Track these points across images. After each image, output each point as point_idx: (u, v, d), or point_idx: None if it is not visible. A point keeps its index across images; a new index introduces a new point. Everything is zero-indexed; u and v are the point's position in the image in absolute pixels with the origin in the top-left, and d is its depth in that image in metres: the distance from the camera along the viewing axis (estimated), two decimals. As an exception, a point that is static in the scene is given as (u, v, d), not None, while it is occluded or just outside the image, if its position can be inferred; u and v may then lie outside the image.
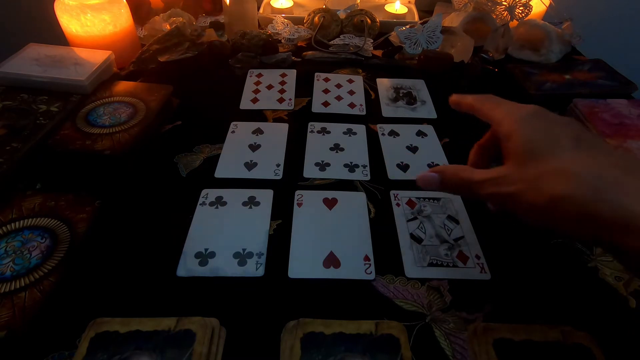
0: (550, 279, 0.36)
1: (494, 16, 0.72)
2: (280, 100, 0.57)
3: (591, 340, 0.30)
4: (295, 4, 0.82)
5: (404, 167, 0.47)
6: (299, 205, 0.41)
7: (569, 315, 0.33)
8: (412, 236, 0.39)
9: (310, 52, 0.68)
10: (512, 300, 0.34)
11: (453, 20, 0.74)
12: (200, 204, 0.41)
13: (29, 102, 0.50)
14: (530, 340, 0.29)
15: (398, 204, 0.42)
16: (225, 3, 0.67)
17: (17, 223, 0.37)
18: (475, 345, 0.30)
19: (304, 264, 0.36)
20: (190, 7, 0.76)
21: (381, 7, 0.83)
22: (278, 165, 0.46)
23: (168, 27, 0.65)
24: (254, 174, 0.45)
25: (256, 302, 0.33)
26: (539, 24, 0.70)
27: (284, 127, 0.52)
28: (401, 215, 0.41)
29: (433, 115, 0.56)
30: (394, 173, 0.46)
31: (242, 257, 0.36)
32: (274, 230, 0.39)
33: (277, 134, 0.51)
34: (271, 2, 0.81)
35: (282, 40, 0.71)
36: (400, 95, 0.59)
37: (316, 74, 0.63)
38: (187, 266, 0.35)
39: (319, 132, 0.51)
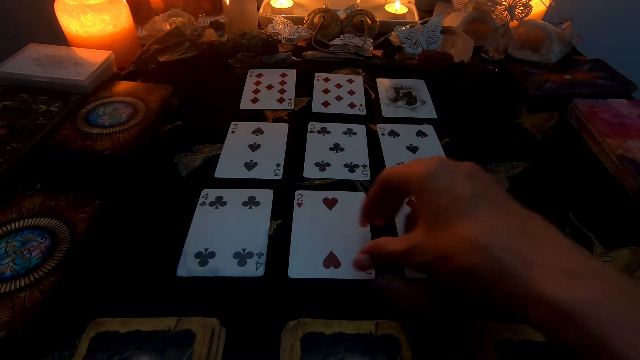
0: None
1: (494, 16, 0.72)
2: (280, 100, 0.57)
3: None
4: (295, 4, 0.82)
5: (404, 167, 0.47)
6: (299, 205, 0.41)
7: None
8: (412, 236, 0.39)
9: (310, 52, 0.68)
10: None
11: (453, 20, 0.74)
12: (200, 204, 0.41)
13: (29, 102, 0.50)
14: (530, 340, 0.29)
15: (398, 204, 0.42)
16: (225, 3, 0.67)
17: (17, 223, 0.37)
18: (474, 345, 0.30)
19: (304, 264, 0.36)
20: (190, 7, 0.76)
21: (381, 7, 0.83)
22: (278, 165, 0.46)
23: (168, 27, 0.65)
24: (254, 174, 0.45)
25: (256, 302, 0.33)
26: (539, 24, 0.70)
27: (284, 127, 0.52)
28: (401, 215, 0.41)
29: (433, 115, 0.56)
30: (394, 173, 0.46)
31: (242, 257, 0.36)
32: (274, 230, 0.39)
33: (277, 134, 0.51)
34: (271, 2, 0.81)
35: (282, 40, 0.71)
36: (400, 95, 0.59)
37: (316, 74, 0.63)
38: (187, 266, 0.35)
39: (319, 132, 0.51)
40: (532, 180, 0.46)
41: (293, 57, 0.66)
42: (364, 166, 0.46)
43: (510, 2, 0.71)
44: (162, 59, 0.62)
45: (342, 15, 0.75)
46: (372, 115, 0.55)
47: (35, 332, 0.30)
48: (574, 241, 0.22)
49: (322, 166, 0.46)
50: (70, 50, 0.58)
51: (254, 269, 0.35)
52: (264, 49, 0.65)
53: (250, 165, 0.46)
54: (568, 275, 0.20)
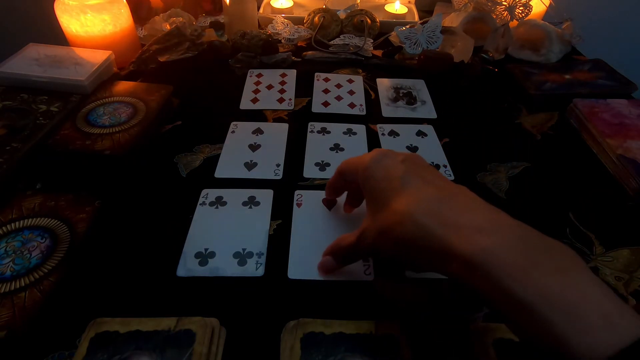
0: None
1: (494, 16, 0.72)
2: (280, 100, 0.57)
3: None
4: (295, 4, 0.82)
5: (404, 167, 0.47)
6: (299, 205, 0.41)
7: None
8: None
9: (310, 52, 0.68)
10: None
11: (453, 20, 0.74)
12: (200, 204, 0.41)
13: (29, 102, 0.50)
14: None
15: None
16: (225, 3, 0.67)
17: (17, 223, 0.37)
18: (475, 345, 0.30)
19: (303, 264, 0.36)
20: (190, 7, 0.76)
21: (381, 7, 0.83)
22: (278, 165, 0.46)
23: (168, 27, 0.65)
24: (254, 174, 0.45)
25: (256, 302, 0.33)
26: (539, 24, 0.70)
27: (284, 127, 0.52)
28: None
29: (433, 115, 0.56)
30: (394, 173, 0.46)
31: (242, 257, 0.36)
32: (274, 230, 0.39)
33: (277, 134, 0.51)
34: (271, 2, 0.81)
35: (282, 40, 0.71)
36: (400, 95, 0.59)
37: (316, 74, 0.63)
38: (187, 266, 0.35)
39: (319, 132, 0.51)
40: (532, 180, 0.46)
41: (293, 57, 0.66)
42: (364, 166, 0.46)
43: (510, 2, 0.71)
44: (162, 59, 0.62)
45: (342, 15, 0.75)
46: (372, 115, 0.55)
47: (35, 332, 0.30)
48: (489, 204, 0.25)
49: (322, 166, 0.46)
50: (70, 50, 0.58)
51: (254, 269, 0.35)
52: (264, 49, 0.65)
53: (250, 165, 0.46)
54: (476, 231, 0.22)
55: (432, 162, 0.47)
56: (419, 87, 0.61)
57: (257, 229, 0.39)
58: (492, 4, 0.71)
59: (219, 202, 0.41)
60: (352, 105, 0.57)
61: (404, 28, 0.68)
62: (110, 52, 0.57)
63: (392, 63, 0.67)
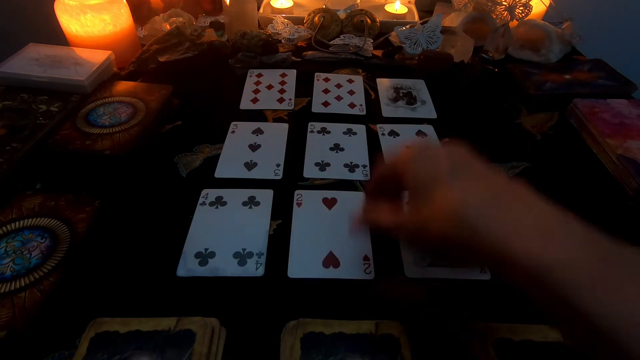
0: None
1: (494, 16, 0.72)
2: (280, 100, 0.57)
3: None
4: (295, 4, 0.82)
5: (404, 167, 0.47)
6: (299, 205, 0.41)
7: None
8: (412, 236, 0.39)
9: (310, 52, 0.68)
10: (512, 300, 0.34)
11: (453, 20, 0.74)
12: (200, 204, 0.41)
13: (29, 102, 0.50)
14: (530, 340, 0.29)
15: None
16: (225, 3, 0.67)
17: (17, 223, 0.37)
18: (474, 345, 0.30)
19: (303, 263, 0.36)
20: (190, 7, 0.76)
21: (381, 7, 0.83)
22: (278, 165, 0.46)
23: (168, 27, 0.65)
24: (254, 174, 0.45)
25: (256, 302, 0.33)
26: (539, 24, 0.70)
27: (284, 127, 0.52)
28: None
29: (433, 115, 0.56)
30: (394, 173, 0.46)
31: (242, 257, 0.36)
32: (273, 230, 0.39)
33: (277, 134, 0.51)
34: (271, 2, 0.81)
35: (282, 40, 0.71)
36: (400, 95, 0.59)
37: (316, 74, 0.63)
38: (187, 266, 0.35)
39: (319, 132, 0.51)
40: (532, 180, 0.46)
41: (293, 57, 0.66)
42: (364, 166, 0.46)
43: (510, 2, 0.71)
44: (162, 59, 0.62)
45: (342, 15, 0.75)
46: (372, 115, 0.55)
47: (35, 332, 0.30)
48: (550, 202, 0.23)
49: (322, 166, 0.46)
50: (70, 50, 0.58)
51: (254, 268, 0.35)
52: (264, 49, 0.65)
53: (250, 165, 0.46)
54: (539, 236, 0.20)
55: (432, 162, 0.47)
56: (419, 87, 0.61)
57: (257, 229, 0.39)
58: (492, 4, 0.71)
59: (219, 202, 0.41)
60: (352, 105, 0.57)
61: (404, 28, 0.68)
62: (110, 52, 0.57)
63: (392, 63, 0.67)
